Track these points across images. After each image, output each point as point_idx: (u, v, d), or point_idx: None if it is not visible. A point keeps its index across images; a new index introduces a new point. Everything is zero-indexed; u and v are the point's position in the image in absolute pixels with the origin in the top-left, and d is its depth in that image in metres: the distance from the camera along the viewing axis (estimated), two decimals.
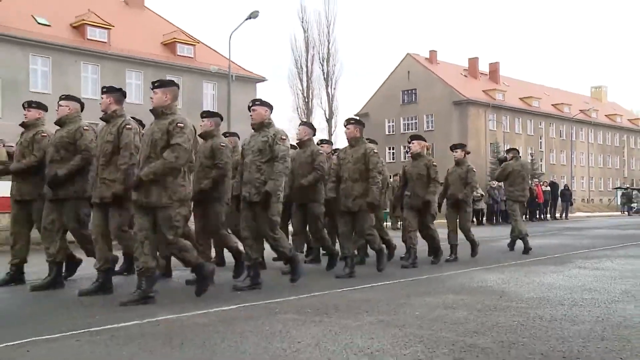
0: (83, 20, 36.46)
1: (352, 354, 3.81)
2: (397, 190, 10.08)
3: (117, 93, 6.39)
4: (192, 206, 6.99)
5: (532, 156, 56.87)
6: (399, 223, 18.73)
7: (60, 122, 6.74)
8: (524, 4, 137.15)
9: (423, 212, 9.03)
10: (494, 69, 65.06)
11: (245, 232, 6.62)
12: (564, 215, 31.83)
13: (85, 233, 6.67)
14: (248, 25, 44.77)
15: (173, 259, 7.72)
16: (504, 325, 4.69)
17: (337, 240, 8.75)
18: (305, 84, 51.33)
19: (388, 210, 12.59)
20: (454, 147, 10.51)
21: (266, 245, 6.75)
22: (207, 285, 5.90)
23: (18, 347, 4.10)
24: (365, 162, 7.72)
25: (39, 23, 34.99)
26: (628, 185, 57.55)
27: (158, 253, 5.94)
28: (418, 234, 9.12)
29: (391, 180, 22.76)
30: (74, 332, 4.47)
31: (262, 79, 43.20)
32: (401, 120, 60.43)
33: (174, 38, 40.45)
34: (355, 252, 8.33)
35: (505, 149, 49.70)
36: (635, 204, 44.50)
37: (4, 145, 14.13)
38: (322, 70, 51.85)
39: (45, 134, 6.91)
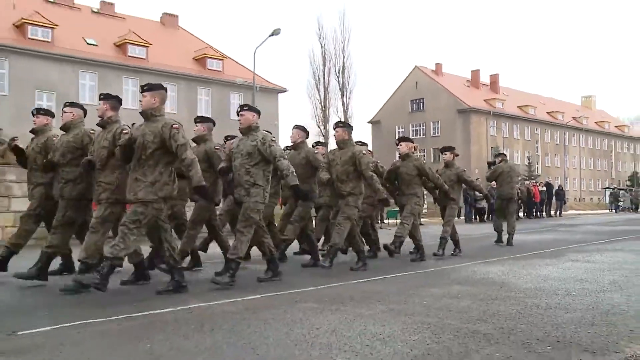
0: (125, 39, 36.87)
1: (366, 339, 3.80)
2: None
3: (113, 100, 6.19)
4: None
5: (529, 159, 56.53)
6: None
7: (65, 128, 6.57)
8: (522, 22, 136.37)
9: (405, 207, 8.62)
10: (494, 80, 64.74)
11: (240, 226, 6.29)
12: (558, 213, 31.62)
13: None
14: (271, 42, 44.93)
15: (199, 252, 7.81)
16: (504, 313, 4.67)
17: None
18: (322, 94, 51.16)
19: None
20: (443, 150, 10.17)
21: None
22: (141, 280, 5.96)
23: (70, 329, 4.16)
24: (354, 163, 7.41)
25: (88, 43, 35.60)
26: (615, 186, 57.47)
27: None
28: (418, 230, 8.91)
29: None
30: (116, 317, 4.51)
31: (284, 90, 43.21)
32: (410, 126, 60.21)
33: (204, 54, 40.66)
34: (367, 247, 8.26)
35: (496, 154, 49.77)
36: (622, 203, 44.71)
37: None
38: (338, 81, 51.65)
39: (55, 139, 6.68)
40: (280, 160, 6.17)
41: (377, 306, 5.00)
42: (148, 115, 5.66)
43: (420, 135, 58.47)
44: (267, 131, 8.41)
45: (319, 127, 50.32)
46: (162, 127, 5.52)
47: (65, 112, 6.60)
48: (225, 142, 8.29)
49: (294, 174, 6.21)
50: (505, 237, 11.73)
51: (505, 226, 11.95)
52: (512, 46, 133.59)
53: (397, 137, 47.14)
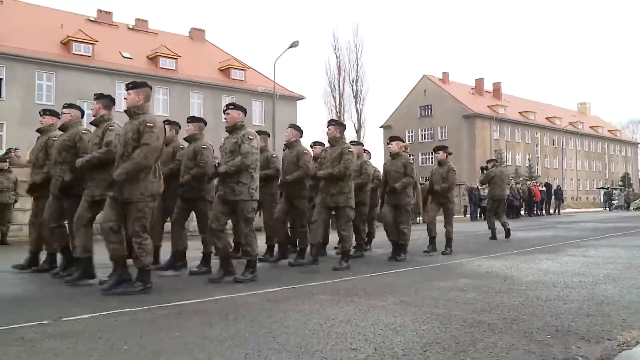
0: (157, 52, 37.19)
1: (379, 329, 3.78)
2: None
3: (105, 99, 5.91)
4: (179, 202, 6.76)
5: (529, 161, 56.11)
6: (418, 218, 18.64)
7: (62, 128, 6.35)
8: (522, 33, 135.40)
9: (399, 207, 8.18)
10: (497, 87, 64.30)
11: (214, 224, 5.98)
12: (556, 211, 31.35)
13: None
14: (290, 53, 44.90)
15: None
16: (507, 305, 4.63)
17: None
18: (337, 101, 51.09)
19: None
20: (436, 149, 9.75)
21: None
22: (135, 291, 5.18)
23: (108, 317, 4.20)
24: (341, 160, 7.01)
25: (124, 57, 36.06)
26: (609, 186, 57.05)
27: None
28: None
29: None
30: (149, 307, 4.53)
31: (302, 97, 43.23)
32: (419, 131, 59.97)
33: (229, 65, 40.82)
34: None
35: (499, 157, 49.55)
36: (615, 201, 44.46)
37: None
38: (352, 89, 51.58)
39: (55, 138, 6.48)
40: (239, 157, 5.85)
41: (389, 298, 4.98)
42: (132, 112, 5.34)
43: (428, 139, 58.27)
44: (265, 132, 8.30)
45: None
46: (140, 123, 5.21)
47: (63, 113, 6.43)
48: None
49: (232, 169, 5.80)
50: (499, 234, 12.16)
51: (498, 224, 12.40)
52: (513, 56, 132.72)
53: (407, 141, 46.33)
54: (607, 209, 42.94)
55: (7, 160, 11.59)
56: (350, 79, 51.39)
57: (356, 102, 51.34)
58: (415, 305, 4.62)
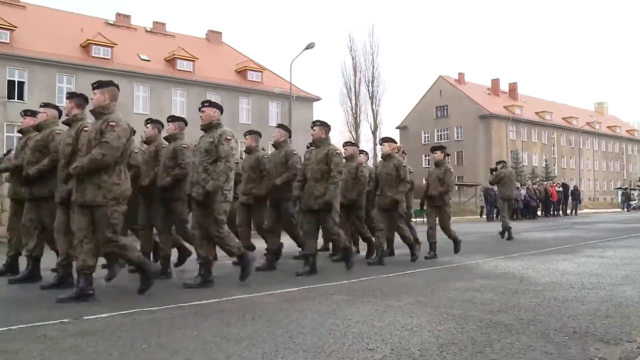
0: (174, 55, 37.43)
1: (396, 329, 3.77)
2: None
3: (79, 98, 5.65)
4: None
5: (546, 162, 55.59)
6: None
7: (38, 127, 6.11)
8: (538, 34, 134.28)
9: (391, 211, 7.88)
10: (513, 87, 63.87)
11: (197, 232, 5.77)
12: (573, 211, 31.02)
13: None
14: (306, 55, 45.09)
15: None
16: (524, 305, 4.59)
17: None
18: (353, 102, 51.01)
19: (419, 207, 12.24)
20: (433, 149, 9.24)
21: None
22: (150, 284, 5.16)
23: (127, 316, 4.24)
24: (327, 162, 6.66)
25: (142, 59, 36.39)
26: (627, 186, 56.20)
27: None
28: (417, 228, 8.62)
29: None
30: (167, 306, 4.57)
31: (318, 99, 43.24)
32: (435, 131, 59.69)
33: (245, 66, 40.95)
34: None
35: (515, 158, 49.19)
36: (633, 202, 43.91)
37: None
38: (368, 90, 51.45)
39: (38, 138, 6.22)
40: (222, 161, 5.58)
41: (405, 298, 4.96)
42: (97, 113, 5.10)
43: (444, 139, 58.01)
44: (256, 132, 8.05)
45: (351, 133, 50.25)
46: (103, 122, 4.97)
47: (40, 113, 6.22)
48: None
49: (217, 182, 5.51)
50: (498, 231, 12.55)
51: (503, 224, 12.68)
52: (529, 57, 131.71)
53: (423, 142, 46.25)
54: (625, 209, 42.33)
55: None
56: (366, 79, 51.32)
57: (372, 103, 51.26)
58: (431, 306, 4.60)
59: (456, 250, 8.77)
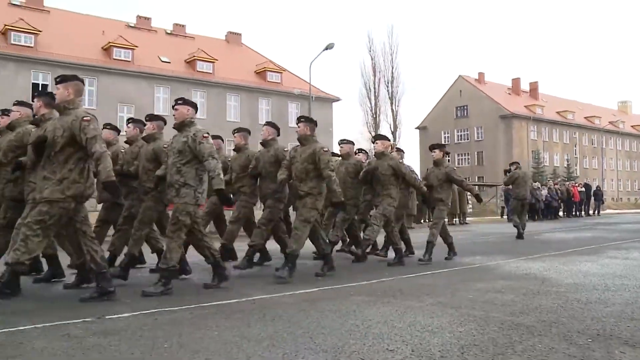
0: (194, 56, 37.76)
1: (416, 330, 3.76)
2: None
3: (46, 97, 5.32)
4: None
5: (568, 162, 54.98)
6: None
7: (10, 126, 5.88)
8: (560, 32, 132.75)
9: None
10: (533, 87, 63.24)
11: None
12: (596, 212, 30.60)
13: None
14: (325, 55, 45.14)
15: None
16: (546, 307, 4.54)
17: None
18: (373, 103, 50.79)
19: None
20: (432, 148, 8.62)
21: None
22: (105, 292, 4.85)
23: (148, 315, 4.27)
24: (314, 161, 6.29)
25: (162, 61, 36.78)
26: None
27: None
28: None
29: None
30: (188, 306, 4.59)
31: (337, 99, 43.24)
32: (455, 132, 59.37)
33: (265, 67, 41.13)
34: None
35: (536, 158, 48.61)
36: None
37: None
38: (388, 90, 51.18)
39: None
40: (209, 159, 5.22)
41: (426, 299, 4.94)
42: (61, 108, 4.90)
43: (465, 139, 57.73)
44: (245, 129, 7.82)
45: (370, 133, 50.11)
46: (73, 120, 4.75)
47: (12, 111, 6.01)
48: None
49: (221, 176, 5.23)
50: (506, 233, 12.67)
51: (514, 221, 12.84)
52: (550, 56, 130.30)
53: (442, 142, 45.70)
54: None
55: None
56: (386, 80, 51.09)
57: (392, 104, 50.99)
58: (452, 307, 4.57)
59: (424, 257, 7.86)
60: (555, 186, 26.99)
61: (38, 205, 4.72)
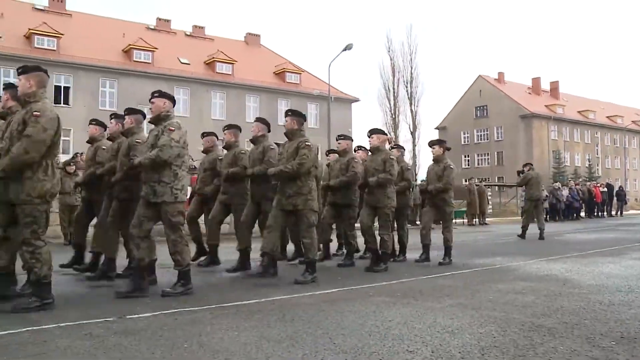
0: (213, 58, 37.98)
1: (436, 331, 3.73)
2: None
3: (14, 89, 5.03)
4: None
5: (589, 161, 54.22)
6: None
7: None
8: (581, 31, 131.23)
9: (377, 209, 7.15)
10: (554, 86, 62.52)
11: (135, 230, 5.21)
12: (619, 212, 30.16)
13: None
14: (344, 56, 45.07)
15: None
16: (568, 309, 4.48)
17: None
18: (392, 103, 50.59)
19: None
20: (431, 144, 8.22)
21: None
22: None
23: (169, 315, 4.30)
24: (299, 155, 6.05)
25: (182, 63, 37.06)
26: None
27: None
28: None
29: (468, 183, 22.19)
30: (209, 307, 4.62)
31: (356, 100, 43.19)
32: (475, 132, 58.93)
33: (284, 68, 41.23)
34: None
35: (557, 158, 47.97)
36: None
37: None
38: (407, 91, 50.95)
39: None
40: (156, 149, 5.08)
41: (446, 300, 4.91)
42: (22, 101, 4.61)
43: (484, 139, 57.27)
44: (235, 126, 7.41)
45: (390, 134, 49.93)
46: (26, 112, 4.49)
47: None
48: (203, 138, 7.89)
49: (146, 161, 5.06)
50: (528, 234, 12.49)
51: (522, 224, 13.05)
52: (571, 55, 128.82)
53: (462, 142, 45.31)
54: None
55: (74, 164, 12.07)
56: (405, 80, 50.89)
57: (411, 104, 50.78)
58: (472, 308, 4.53)
59: (444, 260, 7.71)
60: (577, 186, 26.67)
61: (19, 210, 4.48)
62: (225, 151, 7.55)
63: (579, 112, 60.49)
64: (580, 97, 66.29)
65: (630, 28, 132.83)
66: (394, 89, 50.59)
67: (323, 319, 4.16)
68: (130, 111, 6.33)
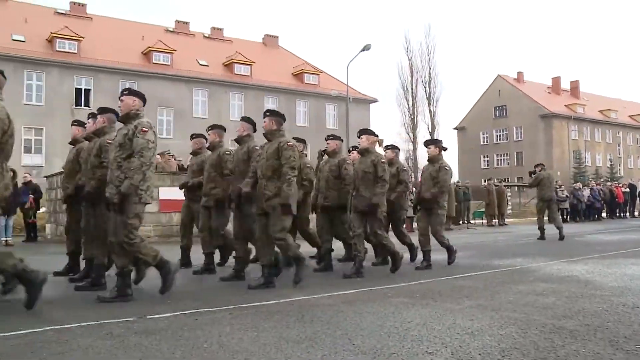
0: (232, 59, 38.23)
1: (456, 333, 3.71)
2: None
3: None
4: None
5: (611, 161, 53.54)
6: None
7: None
8: (600, 30, 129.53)
9: (370, 215, 6.74)
10: (574, 85, 61.77)
11: (112, 237, 5.01)
12: None
13: None
14: (362, 56, 45.02)
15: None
16: (590, 311, 4.41)
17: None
18: (410, 104, 50.48)
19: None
20: (427, 143, 7.98)
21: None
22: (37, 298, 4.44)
23: (189, 316, 4.32)
24: (279, 157, 5.78)
25: (200, 64, 37.33)
26: None
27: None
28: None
29: (487, 184, 22.00)
30: (228, 307, 4.64)
31: (374, 100, 43.13)
32: (494, 132, 58.46)
33: (302, 69, 41.34)
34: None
35: (577, 158, 47.40)
36: None
37: (175, 159, 14.91)
38: (425, 91, 50.81)
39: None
40: (136, 157, 4.89)
41: (465, 301, 4.87)
42: None
43: (503, 140, 56.79)
44: (219, 126, 7.31)
45: (408, 134, 49.87)
46: None
47: None
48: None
49: (134, 180, 4.84)
50: (548, 235, 12.50)
51: (538, 225, 13.15)
52: (591, 54, 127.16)
53: (481, 143, 44.79)
54: None
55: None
56: (423, 80, 50.76)
57: (429, 104, 50.63)
58: (492, 309, 4.50)
59: (450, 260, 7.69)
60: (598, 187, 26.34)
61: None
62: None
63: (600, 111, 59.70)
64: (601, 96, 65.42)
65: None
66: (412, 89, 50.51)
67: (342, 319, 4.15)
68: (102, 110, 6.11)
